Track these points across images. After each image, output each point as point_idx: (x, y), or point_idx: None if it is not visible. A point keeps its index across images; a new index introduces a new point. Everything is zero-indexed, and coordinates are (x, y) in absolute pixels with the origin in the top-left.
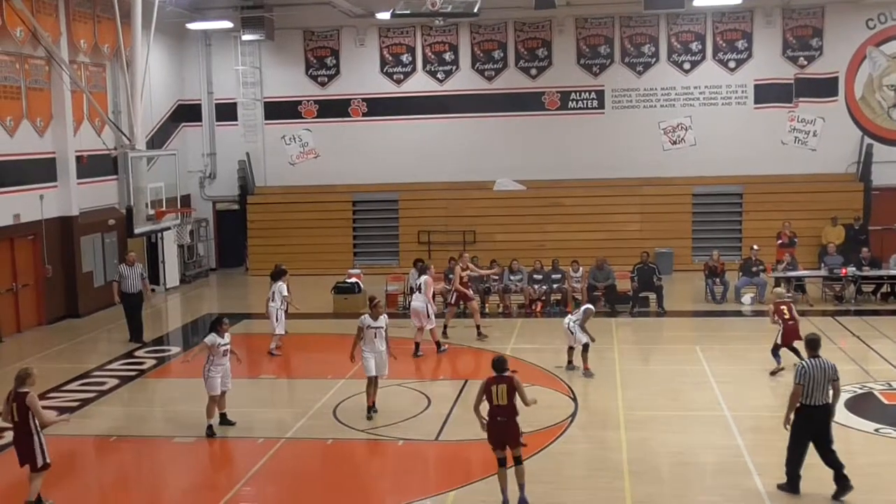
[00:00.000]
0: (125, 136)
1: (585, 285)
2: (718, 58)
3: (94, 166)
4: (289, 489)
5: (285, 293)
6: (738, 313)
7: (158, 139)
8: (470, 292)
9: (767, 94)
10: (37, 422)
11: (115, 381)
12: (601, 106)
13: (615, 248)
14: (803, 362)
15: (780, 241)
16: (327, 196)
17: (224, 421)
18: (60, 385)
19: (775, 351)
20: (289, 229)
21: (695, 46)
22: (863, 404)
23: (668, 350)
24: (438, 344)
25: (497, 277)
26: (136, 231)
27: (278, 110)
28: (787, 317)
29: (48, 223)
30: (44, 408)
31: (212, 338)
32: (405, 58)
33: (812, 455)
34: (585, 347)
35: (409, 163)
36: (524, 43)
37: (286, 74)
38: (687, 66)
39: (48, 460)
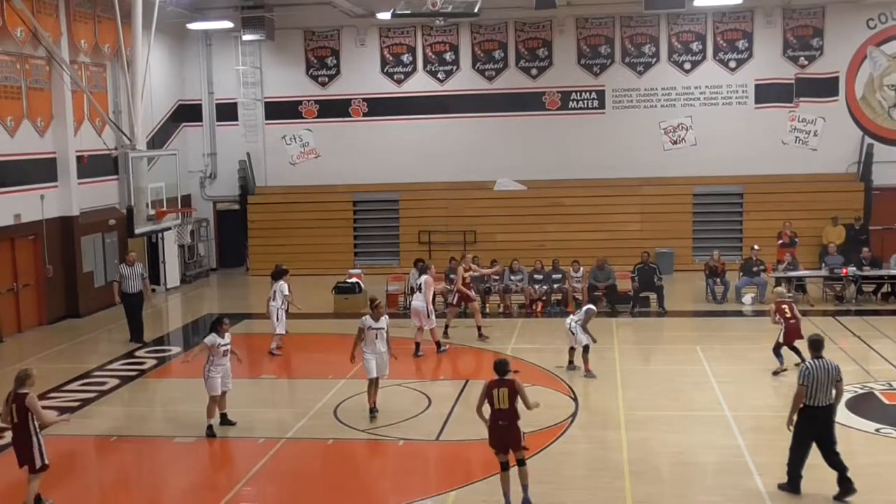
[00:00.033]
0: (126, 136)
1: (586, 285)
2: (719, 58)
3: (94, 166)
4: (289, 489)
5: (286, 292)
6: (739, 313)
7: (159, 139)
8: (472, 293)
9: (768, 93)
10: (36, 423)
11: (115, 381)
12: (602, 106)
13: (616, 248)
14: (807, 363)
15: (780, 241)
16: (328, 196)
17: (225, 421)
18: (61, 385)
19: (777, 350)
20: (289, 229)
21: (695, 46)
22: (863, 404)
23: (669, 350)
24: (438, 344)
25: (497, 277)
26: (137, 231)
27: (279, 110)
28: (788, 315)
29: (49, 223)
30: (44, 408)
31: (212, 338)
32: (406, 58)
33: (814, 456)
34: (586, 348)
35: (410, 163)
36: (525, 43)
37: (287, 74)
38: (687, 65)
39: (46, 462)
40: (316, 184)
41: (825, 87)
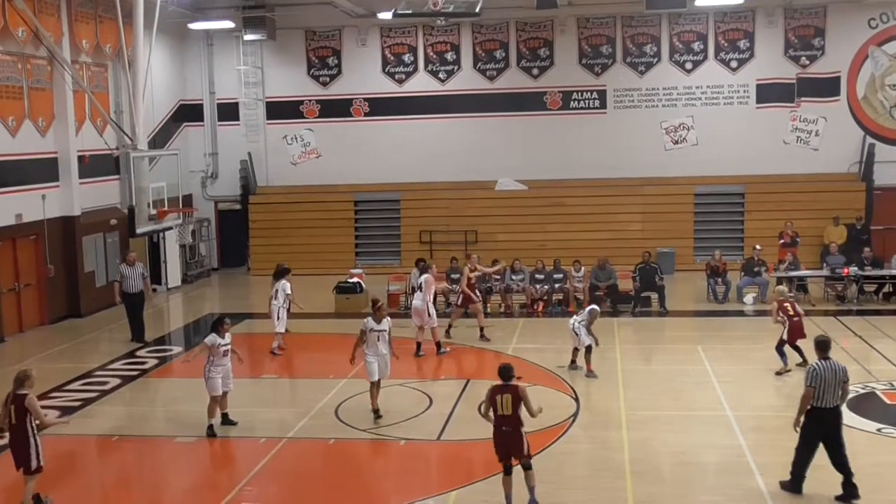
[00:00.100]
0: (127, 135)
1: (587, 285)
2: (720, 57)
3: (95, 166)
4: (291, 489)
5: (289, 291)
6: (740, 313)
7: (160, 139)
8: (474, 295)
9: (769, 93)
10: (33, 425)
11: (116, 381)
12: (603, 106)
13: (617, 248)
14: (814, 364)
15: (782, 241)
16: (329, 196)
17: (226, 421)
18: (62, 385)
19: (780, 348)
20: (290, 229)
21: (697, 46)
22: (865, 404)
23: (670, 350)
24: (438, 345)
25: (499, 277)
26: (138, 231)
27: (280, 110)
28: (791, 313)
29: (50, 223)
30: (43, 408)
31: (212, 338)
32: (407, 58)
33: (818, 456)
34: (588, 349)
35: (411, 163)
36: (526, 43)
37: (288, 74)
38: (689, 65)
39: (41, 463)
40: (317, 184)
41: (827, 87)
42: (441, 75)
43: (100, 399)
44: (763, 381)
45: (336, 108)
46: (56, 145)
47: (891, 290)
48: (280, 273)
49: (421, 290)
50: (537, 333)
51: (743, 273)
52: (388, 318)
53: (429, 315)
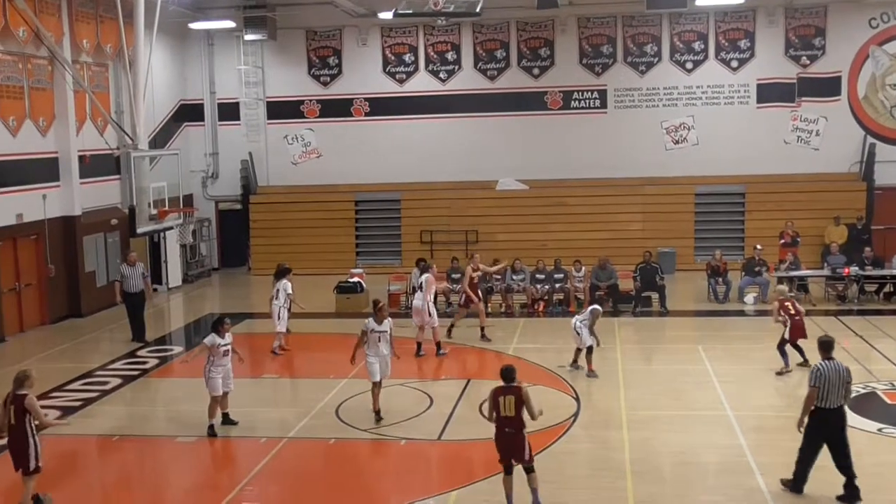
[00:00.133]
0: (128, 135)
1: (588, 285)
2: (721, 57)
3: (96, 166)
4: (291, 489)
5: (290, 291)
6: (741, 313)
7: (161, 139)
8: (475, 297)
9: (770, 93)
10: (33, 425)
11: (117, 381)
12: (604, 105)
13: (617, 248)
14: (818, 365)
15: (782, 241)
16: (330, 196)
17: (226, 420)
18: (63, 385)
19: (782, 346)
20: (291, 229)
21: (697, 46)
22: (866, 404)
23: (671, 350)
24: (438, 345)
25: (499, 277)
26: (139, 231)
27: (281, 110)
28: (792, 312)
29: (51, 223)
30: (42, 408)
31: (211, 338)
32: (407, 57)
33: (821, 457)
34: (590, 349)
35: (412, 162)
36: (526, 42)
37: (288, 74)
38: (689, 65)
39: (40, 464)
40: (318, 183)
41: (827, 87)
42: (442, 75)
43: (100, 399)
44: (764, 380)
45: (337, 108)
46: (57, 145)
47: (891, 289)
48: (281, 273)
49: (421, 290)
50: (538, 333)
51: (744, 273)
52: (390, 319)
53: (429, 315)
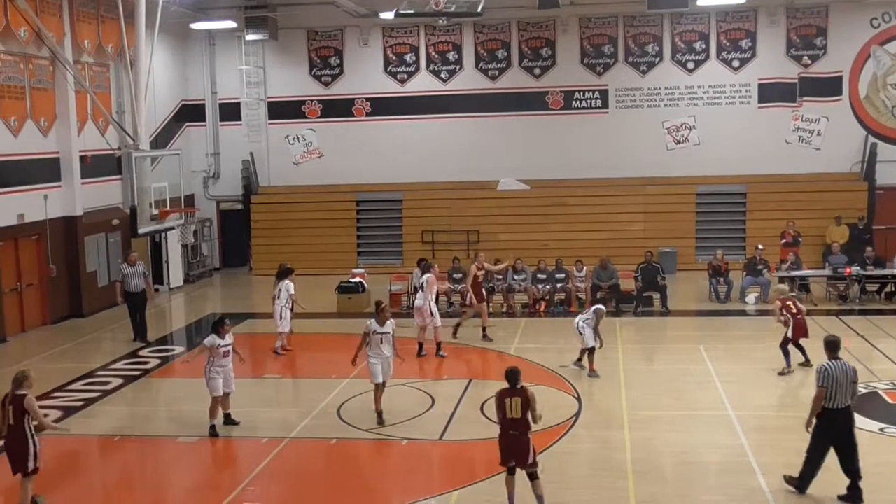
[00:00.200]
0: (129, 135)
1: (589, 285)
2: (722, 57)
3: (97, 166)
4: (293, 489)
5: (292, 292)
6: (742, 313)
7: (162, 139)
8: (475, 298)
9: (771, 93)
10: (32, 426)
11: (119, 381)
12: (605, 105)
13: (619, 248)
14: (825, 364)
15: (784, 241)
16: (331, 196)
17: (228, 421)
18: (64, 385)
19: (785, 346)
20: (292, 229)
21: (698, 46)
22: (867, 404)
23: (672, 349)
24: (439, 346)
25: (501, 277)
26: (140, 231)
27: (282, 110)
28: (794, 311)
29: (52, 223)
30: (41, 408)
31: (211, 339)
32: (409, 57)
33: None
34: (591, 349)
35: (413, 162)
36: (528, 42)
37: (290, 74)
38: (691, 65)
39: (38, 465)
40: (319, 183)
41: (829, 87)
42: (443, 75)
43: (102, 399)
44: (765, 380)
45: (338, 108)
46: (58, 145)
47: (893, 289)
48: (283, 273)
49: (423, 290)
50: (539, 333)
51: (745, 273)
52: (392, 320)
53: (431, 315)
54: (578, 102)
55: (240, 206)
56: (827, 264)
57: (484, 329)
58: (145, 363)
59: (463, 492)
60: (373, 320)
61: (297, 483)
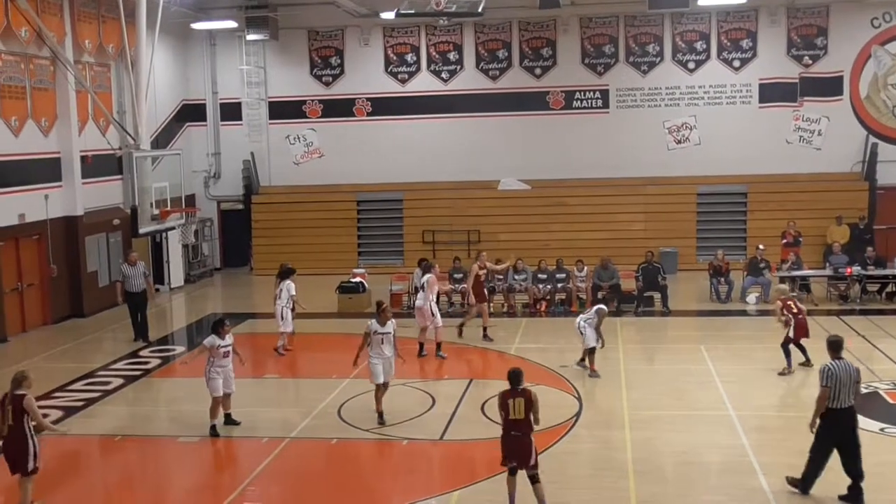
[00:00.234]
0: (130, 135)
1: (590, 285)
2: (723, 57)
3: (98, 166)
4: (293, 489)
5: (293, 292)
6: (743, 313)
7: (163, 139)
8: (480, 295)
9: (772, 93)
10: (32, 426)
11: (119, 381)
12: (605, 105)
13: (619, 248)
14: (829, 364)
15: (784, 241)
16: (332, 196)
17: (229, 421)
18: (65, 385)
19: (786, 345)
20: (293, 229)
21: (699, 46)
22: (868, 404)
23: (673, 350)
24: (438, 346)
25: (502, 277)
26: (141, 231)
27: (283, 110)
28: (795, 311)
29: (53, 223)
30: (40, 408)
31: (211, 339)
32: (409, 57)
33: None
34: (592, 349)
35: (414, 162)
36: (528, 42)
37: (290, 74)
38: (691, 65)
39: (38, 465)
40: (320, 183)
41: (829, 87)
42: (444, 75)
43: (102, 399)
44: (766, 380)
45: (339, 108)
46: (59, 145)
47: (894, 289)
48: (285, 273)
49: (423, 291)
50: (540, 333)
51: (747, 273)
52: (393, 321)
53: (432, 315)
54: (579, 102)
55: (240, 206)
56: (828, 264)
57: (485, 329)
58: (146, 363)
59: (464, 492)
60: (374, 320)
61: (298, 483)
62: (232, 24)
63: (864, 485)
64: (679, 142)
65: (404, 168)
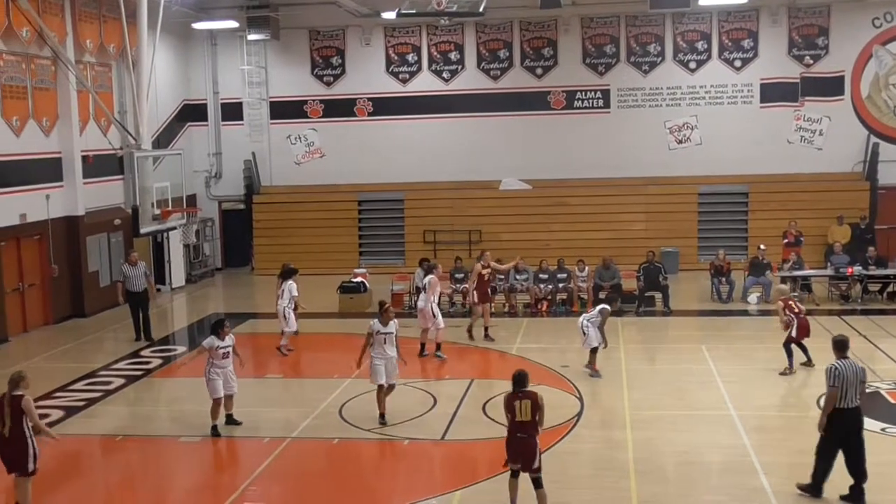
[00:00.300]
0: (131, 135)
1: (591, 285)
2: (724, 57)
3: (99, 166)
4: (294, 489)
5: (295, 293)
6: (744, 313)
7: (164, 139)
8: (476, 297)
9: (773, 93)
10: (30, 426)
11: (121, 381)
12: (607, 105)
13: (621, 248)
14: (835, 364)
15: (786, 241)
16: (333, 196)
17: (230, 421)
18: (66, 385)
19: (788, 345)
20: (294, 229)
21: (700, 46)
22: (869, 403)
23: (674, 349)
24: (438, 346)
25: (503, 277)
26: (142, 231)
27: (284, 110)
28: (797, 311)
29: (54, 223)
30: (38, 408)
31: (210, 340)
32: (411, 57)
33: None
34: (594, 349)
35: (415, 162)
36: (530, 42)
37: (292, 74)
38: (693, 65)
39: (37, 466)
40: (321, 183)
41: (830, 87)
42: (445, 75)
43: (104, 399)
44: (767, 380)
45: (340, 108)
46: (60, 145)
47: (895, 289)
48: (287, 273)
49: (425, 292)
50: (541, 333)
51: (748, 273)
52: (395, 321)
53: (434, 316)
54: (580, 102)
55: (241, 206)
56: (829, 264)
57: (486, 329)
58: (147, 363)
59: (465, 492)
60: (376, 320)
61: (299, 483)
62: (233, 23)
63: (865, 485)
64: (680, 142)
65: (405, 168)
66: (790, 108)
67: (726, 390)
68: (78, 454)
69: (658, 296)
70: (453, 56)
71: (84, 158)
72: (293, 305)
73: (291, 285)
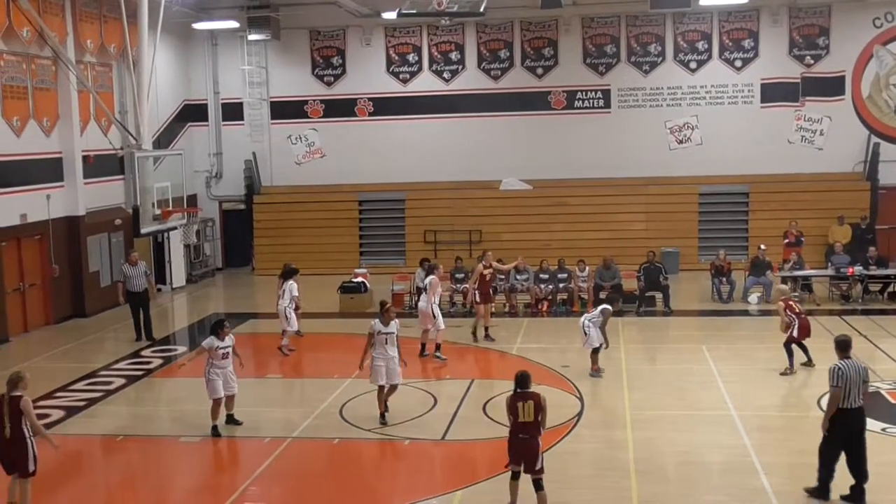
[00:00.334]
0: (131, 135)
1: (591, 285)
2: (725, 57)
3: (100, 166)
4: (295, 489)
5: (296, 293)
6: (745, 313)
7: (165, 139)
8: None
9: (774, 93)
10: (29, 426)
11: (121, 381)
12: (607, 105)
13: (621, 248)
14: (838, 364)
15: (786, 241)
16: (333, 196)
17: (231, 420)
18: (67, 384)
19: (789, 345)
20: (295, 229)
21: (701, 45)
22: (870, 403)
23: (675, 349)
24: (438, 347)
25: (504, 277)
26: (143, 231)
27: (284, 110)
28: (797, 311)
29: (55, 223)
30: (37, 408)
31: (210, 341)
32: (411, 57)
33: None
34: (596, 349)
35: (415, 162)
36: (530, 42)
37: (292, 74)
38: (693, 65)
39: (36, 467)
40: (321, 183)
41: (831, 87)
42: (445, 75)
43: (104, 399)
44: (767, 380)
45: (340, 108)
46: (61, 145)
47: (895, 289)
48: (288, 273)
49: (426, 292)
50: (541, 333)
51: (749, 273)
52: (396, 321)
53: (434, 317)
54: (581, 102)
55: (242, 206)
56: (830, 264)
57: (486, 329)
58: (148, 363)
59: (466, 492)
60: (377, 320)
61: (300, 483)
62: (233, 24)
63: (866, 486)
64: (681, 142)
65: (406, 168)
66: (791, 108)
67: (727, 390)
68: (78, 454)
69: (659, 296)
70: (454, 56)
71: (85, 158)
72: (294, 305)
73: (292, 285)
